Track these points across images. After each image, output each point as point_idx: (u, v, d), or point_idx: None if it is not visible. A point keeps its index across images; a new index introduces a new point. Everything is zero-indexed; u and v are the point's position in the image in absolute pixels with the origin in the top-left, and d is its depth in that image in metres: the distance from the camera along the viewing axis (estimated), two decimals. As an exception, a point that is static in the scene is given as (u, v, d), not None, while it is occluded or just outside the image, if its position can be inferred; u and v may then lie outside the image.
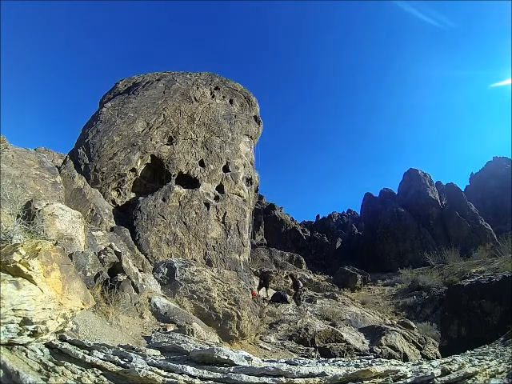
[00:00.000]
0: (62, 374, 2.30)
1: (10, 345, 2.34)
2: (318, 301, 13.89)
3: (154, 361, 2.79)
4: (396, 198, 38.72)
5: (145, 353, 3.09)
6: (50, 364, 2.41)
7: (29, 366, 2.31)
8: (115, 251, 6.52)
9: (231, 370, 2.64)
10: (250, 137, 17.25)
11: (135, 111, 13.59)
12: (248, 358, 3.08)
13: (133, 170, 12.37)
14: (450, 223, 32.35)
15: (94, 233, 8.53)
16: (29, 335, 2.40)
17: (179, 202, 12.16)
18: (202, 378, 2.48)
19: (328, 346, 7.83)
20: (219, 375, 2.52)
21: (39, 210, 6.49)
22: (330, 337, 8.43)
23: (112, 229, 10.13)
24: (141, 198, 11.80)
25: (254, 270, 19.75)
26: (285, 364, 2.99)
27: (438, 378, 2.13)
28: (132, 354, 2.82)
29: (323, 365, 3.07)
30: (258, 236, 33.85)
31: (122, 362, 2.64)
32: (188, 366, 2.60)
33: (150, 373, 2.38)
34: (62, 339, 2.95)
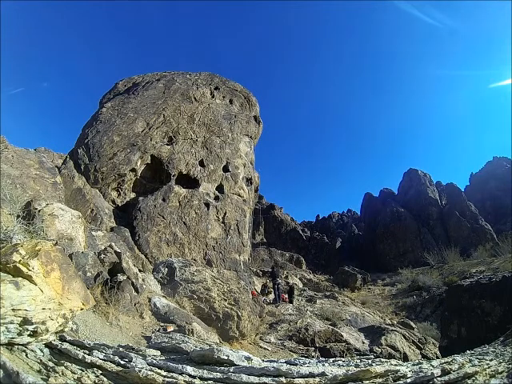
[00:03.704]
0: (62, 374, 2.30)
1: (10, 345, 2.34)
2: (318, 301, 13.90)
3: (154, 361, 2.79)
4: (396, 198, 38.72)
5: (145, 353, 3.09)
6: (50, 364, 2.41)
7: (29, 366, 2.31)
8: (115, 251, 6.52)
9: (231, 370, 2.64)
10: (250, 137, 17.25)
11: (135, 111, 13.60)
12: (248, 358, 3.08)
13: (133, 170, 12.37)
14: (449, 223, 32.35)
15: (93, 233, 8.53)
16: (29, 335, 2.40)
17: (179, 202, 12.16)
18: (201, 378, 2.48)
19: (328, 346, 7.84)
20: (219, 375, 2.53)
21: (39, 210, 6.49)
22: (330, 337, 8.43)
23: (112, 229, 10.14)
24: (141, 198, 11.80)
25: (254, 269, 19.75)
26: (285, 364, 2.99)
27: (438, 378, 2.13)
28: (132, 354, 2.83)
29: (323, 365, 3.07)
30: (258, 236, 33.85)
31: (122, 362, 2.64)
32: (188, 366, 2.61)
33: (149, 373, 2.38)
34: (62, 339, 2.95)
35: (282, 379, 2.39)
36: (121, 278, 5.70)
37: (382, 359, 3.74)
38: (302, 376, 2.44)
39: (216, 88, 17.58)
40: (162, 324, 5.74)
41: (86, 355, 2.65)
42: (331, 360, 3.67)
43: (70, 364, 2.48)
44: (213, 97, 17.08)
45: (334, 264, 29.68)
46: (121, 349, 3.10)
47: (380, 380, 2.29)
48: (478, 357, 2.91)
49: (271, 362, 3.33)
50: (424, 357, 8.21)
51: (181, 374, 2.51)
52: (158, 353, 3.28)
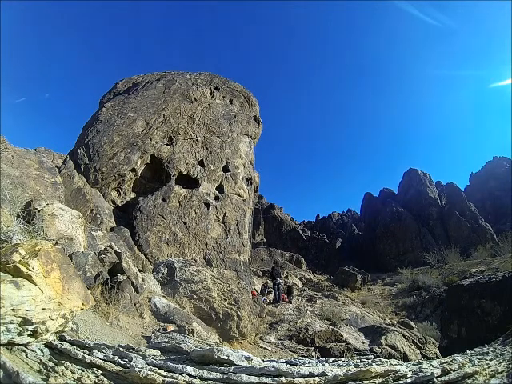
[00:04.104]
0: (62, 374, 2.30)
1: (10, 345, 2.34)
2: (318, 301, 13.89)
3: (154, 361, 2.79)
4: (396, 198, 38.70)
5: (145, 353, 3.09)
6: (50, 364, 2.41)
7: (29, 366, 2.31)
8: (115, 251, 6.52)
9: (231, 370, 2.64)
10: (250, 137, 17.25)
11: (135, 111, 13.60)
12: (248, 358, 3.08)
13: (133, 170, 12.37)
14: (449, 223, 32.33)
15: (93, 233, 8.53)
16: (29, 335, 2.40)
17: (179, 202, 12.16)
18: (201, 378, 2.48)
19: (328, 346, 7.84)
20: (219, 375, 2.52)
21: (39, 210, 6.49)
22: (330, 337, 8.43)
23: (112, 229, 10.14)
24: (141, 198, 11.80)
25: (254, 269, 19.76)
26: (285, 364, 2.99)
27: (438, 378, 2.13)
28: (132, 354, 2.82)
29: (323, 365, 3.07)
30: (258, 236, 33.85)
31: (122, 362, 2.64)
32: (188, 366, 2.61)
33: (149, 373, 2.38)
34: (62, 339, 2.95)
35: (282, 379, 2.39)
36: (121, 277, 5.70)
37: (382, 359, 3.75)
38: (302, 376, 2.44)
39: (216, 88, 17.57)
40: (162, 324, 5.74)
41: (85, 355, 2.65)
42: (331, 360, 3.67)
43: (70, 364, 2.48)
44: (213, 97, 17.08)
45: (333, 264, 29.67)
46: (121, 349, 3.10)
47: (380, 380, 2.29)
48: (478, 357, 2.91)
49: (271, 361, 3.33)
50: (424, 357, 8.21)
51: (181, 373, 2.51)
52: (158, 353, 3.28)
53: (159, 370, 2.52)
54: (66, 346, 2.77)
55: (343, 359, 3.88)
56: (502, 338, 3.93)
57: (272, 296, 13.36)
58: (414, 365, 2.81)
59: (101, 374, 2.44)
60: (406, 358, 7.71)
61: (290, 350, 7.66)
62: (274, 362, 3.34)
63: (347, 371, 2.48)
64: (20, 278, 2.39)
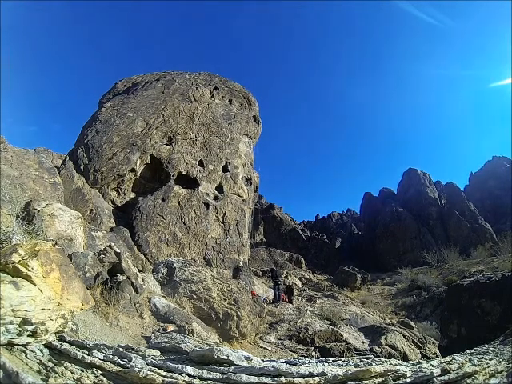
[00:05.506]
0: (62, 374, 2.30)
1: (9, 345, 2.34)
2: (317, 300, 13.90)
3: (154, 361, 2.79)
4: (396, 198, 38.73)
5: (144, 353, 3.09)
6: (50, 364, 2.40)
7: (28, 366, 2.31)
8: (115, 251, 6.51)
9: (231, 370, 2.63)
10: (250, 137, 17.26)
11: (134, 111, 13.59)
12: (248, 358, 3.08)
13: (132, 170, 12.36)
14: (449, 223, 32.36)
15: (93, 233, 8.53)
16: (28, 336, 2.40)
17: (179, 202, 12.16)
18: (201, 378, 2.48)
19: (328, 346, 7.83)
20: (219, 375, 2.52)
21: (39, 211, 6.48)
22: (329, 336, 8.43)
23: (111, 229, 10.13)
24: (140, 198, 11.80)
25: (254, 269, 19.76)
26: (284, 364, 2.98)
27: (438, 378, 2.13)
28: (131, 355, 2.82)
29: (323, 364, 3.07)
30: (258, 236, 33.85)
31: (122, 363, 2.63)
32: (188, 366, 2.60)
33: (149, 373, 2.38)
34: (62, 340, 2.95)
35: (282, 379, 2.38)
36: (120, 278, 5.69)
37: (382, 359, 3.75)
38: (302, 376, 2.44)
39: (215, 88, 17.57)
40: (162, 324, 5.74)
41: (85, 355, 2.65)
42: (331, 360, 3.67)
43: (69, 364, 2.48)
44: (212, 97, 17.07)
45: (333, 264, 29.67)
46: (120, 349, 3.10)
47: (380, 379, 2.29)
48: (478, 356, 2.91)
49: (271, 361, 3.33)
50: (424, 356, 8.21)
51: (180, 373, 2.51)
52: (158, 353, 3.28)
53: (159, 370, 2.52)
54: (65, 346, 2.77)
55: (343, 359, 3.88)
56: (501, 338, 3.94)
57: (272, 296, 13.36)
58: (413, 364, 2.81)
59: (100, 374, 2.44)
60: (405, 358, 7.71)
61: (290, 350, 7.66)
62: (273, 361, 3.34)
63: (347, 371, 2.48)
64: (19, 279, 2.39)
